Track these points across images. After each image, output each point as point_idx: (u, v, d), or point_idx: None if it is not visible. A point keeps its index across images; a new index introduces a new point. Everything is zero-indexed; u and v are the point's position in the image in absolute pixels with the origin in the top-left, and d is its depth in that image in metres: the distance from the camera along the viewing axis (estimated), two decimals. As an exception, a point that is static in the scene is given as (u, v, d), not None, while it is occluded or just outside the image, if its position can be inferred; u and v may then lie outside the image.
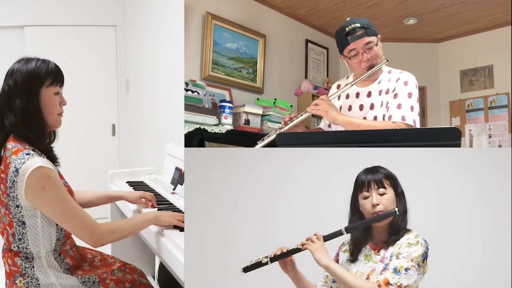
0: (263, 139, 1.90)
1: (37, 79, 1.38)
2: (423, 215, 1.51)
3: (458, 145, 1.19)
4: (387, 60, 1.85)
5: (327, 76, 4.63)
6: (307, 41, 4.43)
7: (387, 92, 1.83)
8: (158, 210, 1.75)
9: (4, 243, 1.41)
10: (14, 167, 1.28)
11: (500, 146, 4.40)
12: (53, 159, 1.43)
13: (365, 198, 1.16)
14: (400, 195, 1.17)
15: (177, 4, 3.12)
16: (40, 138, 1.39)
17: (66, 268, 1.41)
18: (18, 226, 1.33)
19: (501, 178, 1.47)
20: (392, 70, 1.90)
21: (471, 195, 1.51)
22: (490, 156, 1.54)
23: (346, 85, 1.92)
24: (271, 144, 1.77)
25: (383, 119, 1.83)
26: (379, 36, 1.83)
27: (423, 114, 4.88)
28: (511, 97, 4.36)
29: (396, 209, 1.12)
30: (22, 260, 1.35)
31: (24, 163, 1.27)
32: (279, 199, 1.63)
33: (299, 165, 1.63)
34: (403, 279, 1.05)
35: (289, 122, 1.89)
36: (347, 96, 1.99)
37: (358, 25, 1.77)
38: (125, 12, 4.48)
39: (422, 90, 4.89)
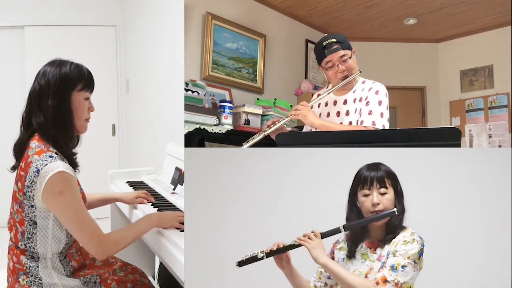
0: (248, 141, 1.97)
1: (70, 82, 1.39)
2: (423, 214, 1.51)
3: (458, 145, 1.19)
4: (360, 71, 2.03)
5: (327, 76, 4.63)
6: (307, 41, 4.43)
7: (360, 100, 2.01)
8: (158, 210, 1.75)
9: (11, 239, 1.41)
10: (36, 168, 1.28)
11: (500, 146, 4.40)
12: (74, 165, 1.43)
13: (366, 195, 1.16)
14: (399, 195, 1.17)
15: (177, 4, 3.12)
16: (67, 141, 1.40)
17: (70, 271, 1.41)
18: (29, 225, 1.34)
19: (501, 178, 1.47)
20: (366, 81, 2.08)
21: (471, 195, 1.51)
22: (490, 156, 1.54)
23: (324, 93, 2.11)
24: (271, 144, 1.78)
25: (357, 124, 1.99)
26: (353, 50, 2.02)
27: (423, 114, 4.88)
28: (511, 97, 4.36)
29: (396, 209, 1.13)
30: (27, 259, 1.35)
31: (46, 165, 1.27)
32: (279, 199, 1.63)
33: (299, 165, 1.63)
34: (400, 276, 1.07)
35: (272, 126, 2.01)
36: (326, 104, 2.17)
37: (334, 40, 1.98)
38: (125, 12, 4.48)
39: (422, 90, 4.90)
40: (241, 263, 1.17)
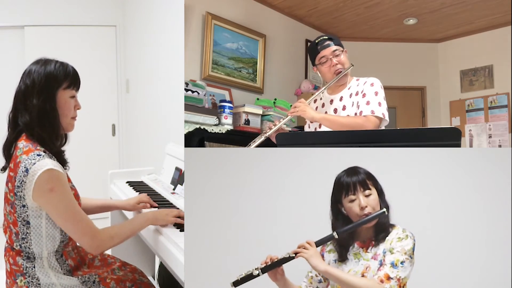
0: (250, 144, 1.99)
1: (55, 81, 1.39)
2: (423, 214, 1.51)
3: (458, 145, 1.19)
4: (352, 65, 2.11)
5: (327, 76, 4.62)
6: (307, 41, 4.43)
7: (356, 94, 2.06)
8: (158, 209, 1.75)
9: (7, 241, 1.41)
10: (24, 167, 1.28)
11: (500, 146, 4.40)
12: (63, 162, 1.43)
13: (352, 201, 1.17)
14: (381, 193, 1.20)
15: (177, 4, 3.12)
16: (53, 139, 1.39)
17: (67, 269, 1.41)
18: (23, 225, 1.33)
19: (501, 178, 1.47)
20: (360, 78, 2.14)
21: (471, 195, 1.51)
22: (490, 156, 1.54)
23: (321, 92, 2.18)
24: (271, 144, 1.78)
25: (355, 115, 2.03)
26: (345, 49, 2.12)
27: (423, 114, 4.88)
28: (511, 97, 4.36)
29: (385, 209, 1.15)
30: (23, 260, 1.35)
31: (34, 164, 1.27)
32: (279, 199, 1.63)
33: (299, 165, 1.63)
34: (400, 272, 1.10)
35: (272, 127, 2.05)
36: (323, 105, 2.23)
37: (326, 37, 2.10)
38: (125, 12, 4.48)
39: (422, 90, 4.90)
40: (236, 283, 1.15)
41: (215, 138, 2.93)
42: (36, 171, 1.26)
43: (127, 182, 2.33)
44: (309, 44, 4.43)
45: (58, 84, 1.39)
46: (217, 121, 2.97)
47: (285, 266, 1.19)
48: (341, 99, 2.12)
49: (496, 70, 4.46)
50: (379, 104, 1.97)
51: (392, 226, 1.18)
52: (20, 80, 1.40)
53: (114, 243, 1.39)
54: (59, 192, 1.29)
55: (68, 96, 1.42)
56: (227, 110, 3.06)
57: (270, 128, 2.04)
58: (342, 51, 2.08)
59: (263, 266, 1.16)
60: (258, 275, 1.15)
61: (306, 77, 4.39)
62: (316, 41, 2.10)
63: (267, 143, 1.98)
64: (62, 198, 1.30)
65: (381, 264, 1.13)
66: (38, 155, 1.30)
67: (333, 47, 2.06)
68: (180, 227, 1.53)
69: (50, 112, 1.37)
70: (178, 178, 2.09)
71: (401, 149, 1.51)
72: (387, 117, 1.98)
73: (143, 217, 1.51)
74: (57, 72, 1.40)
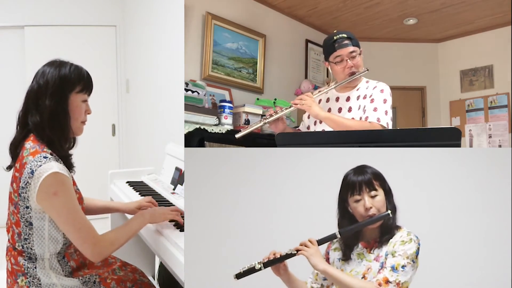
0: (247, 127, 2.00)
1: (69, 84, 1.39)
2: (424, 214, 1.51)
3: (458, 145, 1.19)
4: (367, 70, 2.04)
5: (327, 76, 4.63)
6: (307, 41, 4.43)
7: (364, 97, 2.01)
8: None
9: (9, 240, 1.41)
10: (30, 169, 1.27)
11: (500, 146, 4.39)
12: (69, 165, 1.42)
13: (357, 201, 1.17)
14: (388, 194, 1.18)
15: (177, 4, 3.12)
16: (62, 142, 1.39)
17: (68, 271, 1.41)
18: (25, 226, 1.33)
19: (501, 178, 1.47)
20: (370, 81, 2.10)
21: (471, 195, 1.51)
22: (490, 156, 1.54)
23: (329, 88, 2.12)
24: (271, 144, 1.79)
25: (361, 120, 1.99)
26: (361, 49, 2.05)
27: (423, 114, 4.88)
28: (511, 97, 4.36)
29: (389, 212, 1.14)
30: (25, 260, 1.35)
31: (40, 166, 1.26)
32: (279, 199, 1.63)
33: (299, 164, 1.63)
34: (400, 276, 1.08)
35: (273, 115, 2.01)
36: (328, 100, 2.18)
37: (345, 35, 2.01)
38: (125, 12, 4.48)
39: (422, 90, 4.90)
40: (239, 275, 1.18)
41: (215, 138, 2.93)
42: (41, 174, 1.26)
43: (127, 182, 2.33)
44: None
45: (71, 87, 1.40)
46: (217, 121, 2.97)
47: (292, 261, 1.19)
48: (348, 99, 2.08)
49: (496, 70, 4.46)
50: (386, 112, 1.93)
51: (398, 228, 1.16)
52: (33, 80, 1.40)
53: (114, 248, 1.39)
54: (63, 197, 1.28)
55: (80, 100, 1.43)
56: (227, 110, 3.06)
57: (271, 115, 2.01)
58: (359, 52, 2.02)
59: (265, 261, 1.17)
60: (260, 269, 1.17)
61: (306, 77, 4.39)
62: (334, 37, 2.01)
63: (267, 143, 1.97)
64: (66, 203, 1.29)
65: (382, 267, 1.12)
66: (45, 157, 1.29)
67: (351, 48, 1.99)
68: (180, 227, 1.53)
69: (61, 115, 1.37)
70: (178, 178, 2.09)
71: (401, 149, 1.51)
72: (390, 127, 1.94)
73: (141, 217, 1.51)
74: (71, 75, 1.40)
